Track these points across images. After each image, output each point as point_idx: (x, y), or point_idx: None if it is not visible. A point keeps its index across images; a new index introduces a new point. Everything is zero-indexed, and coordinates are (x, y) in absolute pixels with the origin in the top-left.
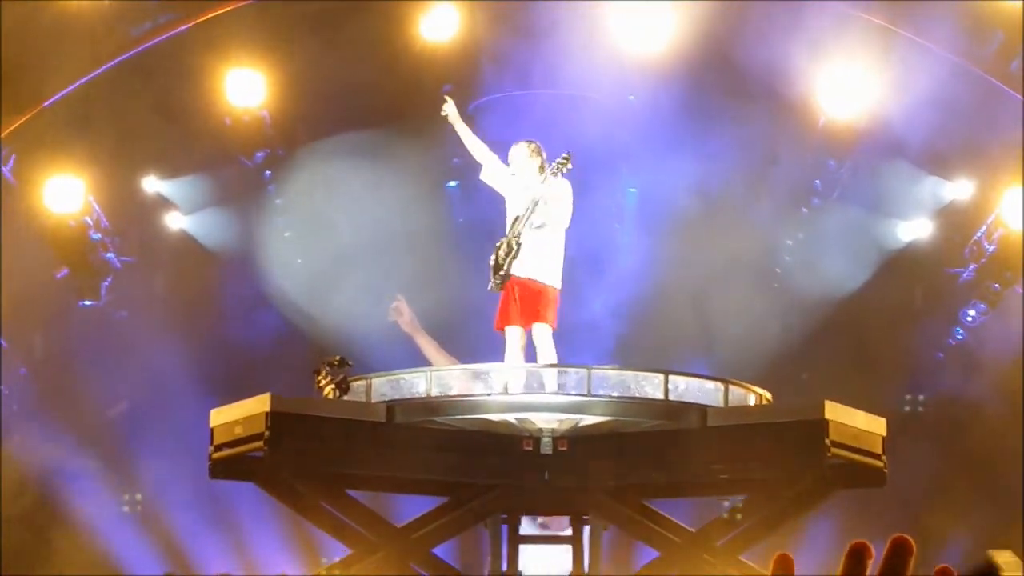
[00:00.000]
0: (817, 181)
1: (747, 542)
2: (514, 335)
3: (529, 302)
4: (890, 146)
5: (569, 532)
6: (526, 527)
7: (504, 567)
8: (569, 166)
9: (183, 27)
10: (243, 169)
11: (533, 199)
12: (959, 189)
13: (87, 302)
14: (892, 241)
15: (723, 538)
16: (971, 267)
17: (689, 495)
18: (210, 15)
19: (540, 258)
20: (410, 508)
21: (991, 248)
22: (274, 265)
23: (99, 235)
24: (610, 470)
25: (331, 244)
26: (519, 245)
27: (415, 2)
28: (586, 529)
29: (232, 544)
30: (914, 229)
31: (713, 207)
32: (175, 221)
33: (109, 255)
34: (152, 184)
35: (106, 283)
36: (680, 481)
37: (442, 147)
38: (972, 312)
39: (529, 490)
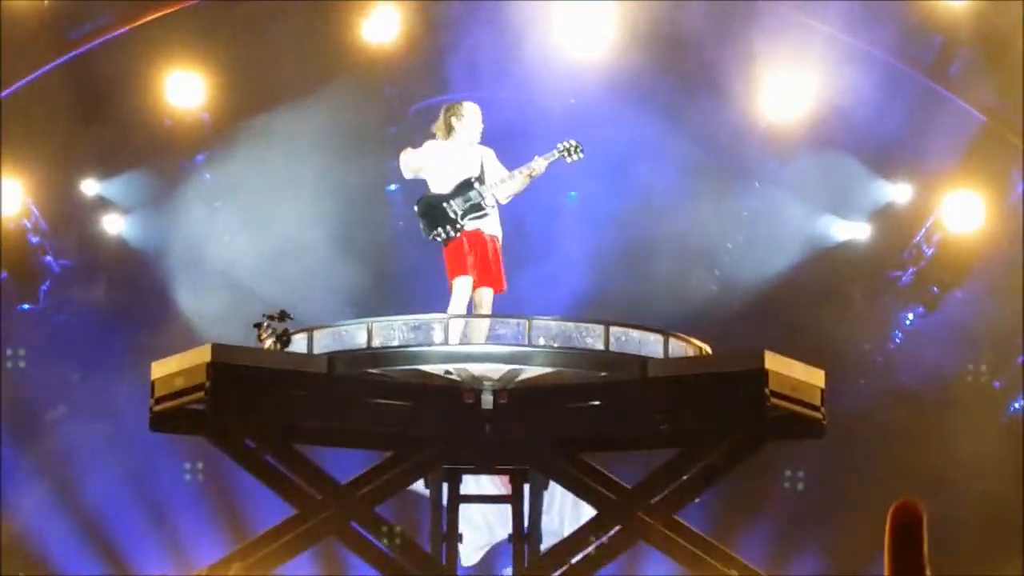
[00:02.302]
0: (757, 183)
1: (683, 498)
2: (467, 286)
3: (487, 260)
4: (831, 148)
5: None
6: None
7: (444, 528)
8: (581, 156)
9: (122, 30)
10: (183, 171)
11: (528, 172)
12: (899, 192)
13: (26, 306)
14: (830, 242)
15: (658, 494)
16: (910, 270)
17: (630, 449)
18: (149, 18)
19: (495, 217)
20: (348, 466)
21: (930, 251)
22: (214, 265)
23: (38, 238)
24: (551, 424)
25: (270, 244)
26: (493, 207)
27: (357, 2)
28: (526, 486)
29: (169, 546)
30: (853, 231)
31: (652, 206)
32: (114, 224)
33: (47, 258)
34: (91, 187)
35: (45, 287)
36: (621, 435)
37: (383, 150)
38: (911, 315)
39: (470, 444)
